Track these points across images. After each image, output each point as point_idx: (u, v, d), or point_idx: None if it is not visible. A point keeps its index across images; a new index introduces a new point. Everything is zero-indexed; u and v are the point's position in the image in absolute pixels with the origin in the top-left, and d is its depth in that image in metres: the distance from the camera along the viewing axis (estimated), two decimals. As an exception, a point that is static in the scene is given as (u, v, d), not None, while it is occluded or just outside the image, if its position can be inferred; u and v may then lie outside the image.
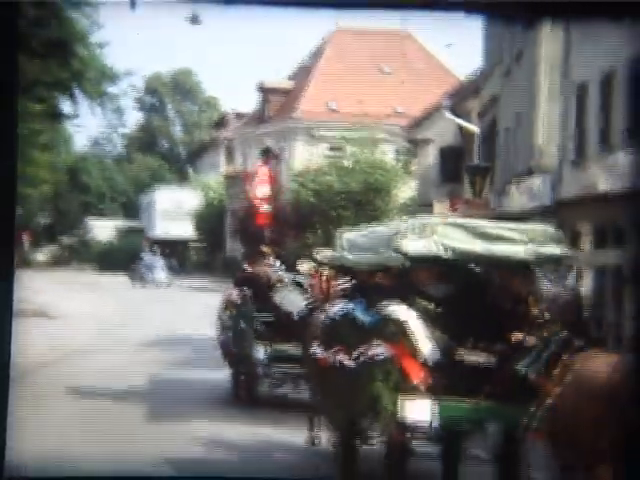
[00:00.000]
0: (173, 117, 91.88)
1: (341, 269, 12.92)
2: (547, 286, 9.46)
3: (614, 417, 7.99)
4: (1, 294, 5.91)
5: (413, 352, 10.07)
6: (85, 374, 18.55)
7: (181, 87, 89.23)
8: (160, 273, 56.80)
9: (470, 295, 10.64)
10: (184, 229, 66.52)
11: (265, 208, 18.42)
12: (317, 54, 55.36)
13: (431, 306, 10.56)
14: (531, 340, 9.67)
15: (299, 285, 16.45)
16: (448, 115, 33.07)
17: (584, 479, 8.54)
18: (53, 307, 32.69)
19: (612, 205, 19.55)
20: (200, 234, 63.36)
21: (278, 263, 17.42)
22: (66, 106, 28.90)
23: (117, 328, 28.11)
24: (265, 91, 55.32)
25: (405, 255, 10.34)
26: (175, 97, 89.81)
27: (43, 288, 41.78)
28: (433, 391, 9.99)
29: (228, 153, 63.52)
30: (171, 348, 23.22)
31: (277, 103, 54.83)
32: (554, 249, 10.66)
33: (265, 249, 17.60)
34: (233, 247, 47.40)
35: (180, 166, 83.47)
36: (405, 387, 9.92)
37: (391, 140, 43.30)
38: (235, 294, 17.22)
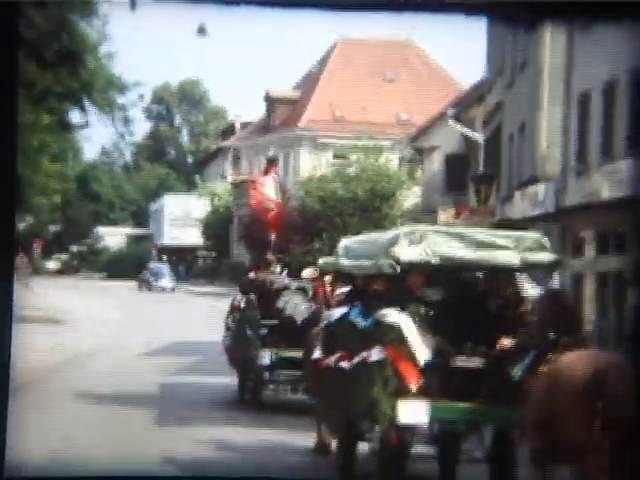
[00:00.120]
0: (181, 126, 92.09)
1: (340, 275, 13.12)
2: (532, 290, 9.59)
3: (588, 412, 8.13)
4: (1, 294, 5.88)
5: (409, 356, 10.21)
6: (93, 377, 18.60)
7: (189, 97, 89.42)
8: (165, 279, 57.22)
9: (462, 300, 10.85)
10: (192, 236, 66.63)
11: (270, 216, 18.44)
12: (322, 63, 55.42)
13: (425, 311, 10.75)
14: (520, 342, 9.83)
15: (303, 291, 16.55)
16: (452, 123, 33.06)
17: (571, 474, 8.67)
18: (64, 313, 32.79)
19: (614, 212, 19.54)
20: (207, 241, 63.46)
21: (283, 270, 17.51)
22: (76, 116, 29.01)
23: (124, 333, 28.18)
24: (271, 100, 55.40)
25: (398, 262, 10.49)
26: (183, 106, 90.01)
27: (54, 295, 41.92)
28: (429, 394, 10.11)
29: (234, 161, 63.61)
30: (177, 353, 23.26)
31: (283, 112, 54.89)
32: (543, 256, 10.80)
33: (270, 256, 17.69)
34: (240, 253, 47.42)
35: (188, 174, 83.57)
36: (401, 390, 10.06)
37: (396, 148, 43.29)
38: (241, 300, 17.32)
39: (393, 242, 10.67)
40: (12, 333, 5.77)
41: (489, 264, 10.75)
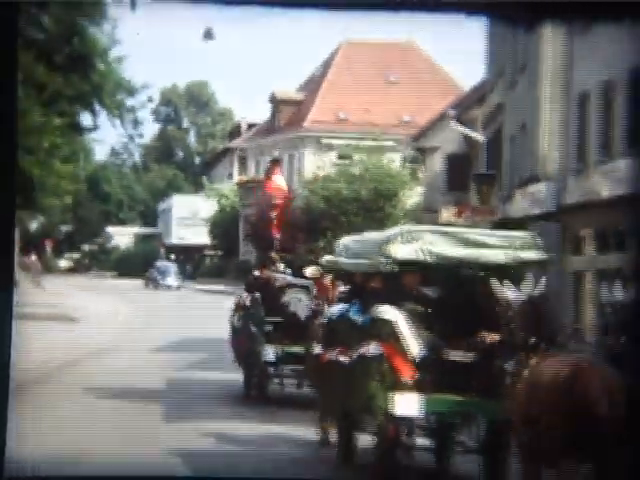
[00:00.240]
0: (188, 128, 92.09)
1: (339, 273, 13.25)
2: (516, 294, 9.71)
3: (566, 412, 8.28)
4: (1, 294, 5.85)
5: (403, 351, 10.43)
6: (103, 374, 18.63)
7: (196, 99, 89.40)
8: (171, 277, 57.34)
9: (454, 297, 11.05)
10: (199, 235, 66.62)
11: (275, 215, 18.50)
12: (326, 66, 55.37)
13: (419, 307, 10.96)
14: (506, 340, 9.92)
15: (306, 289, 16.65)
16: (454, 124, 33.02)
17: (551, 473, 8.82)
18: (75, 310, 32.80)
19: (613, 210, 19.51)
20: (214, 240, 63.44)
21: (287, 268, 17.60)
22: (86, 119, 29.05)
23: (134, 330, 28.22)
24: (276, 102, 55.38)
25: (393, 260, 10.63)
26: (190, 109, 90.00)
27: (65, 292, 41.96)
28: (423, 387, 10.32)
29: (241, 162, 63.59)
30: (185, 349, 23.28)
31: (288, 113, 54.86)
32: (533, 254, 10.98)
33: (274, 255, 17.80)
34: (246, 252, 47.42)
35: (195, 175, 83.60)
36: (397, 384, 10.26)
37: (398, 148, 43.26)
38: (246, 298, 17.42)
39: (389, 241, 10.90)
40: (12, 333, 5.75)
41: (481, 262, 10.94)
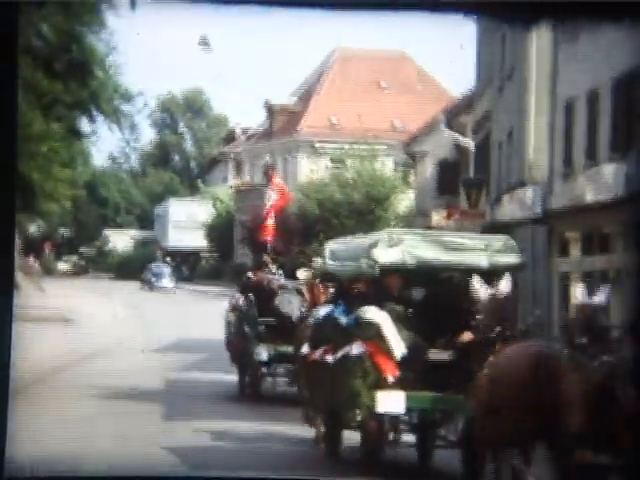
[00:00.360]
0: (185, 133, 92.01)
1: (327, 277, 13.46)
2: (486, 290, 10.08)
3: (524, 398, 8.50)
4: (2, 295, 5.90)
5: (386, 350, 10.71)
6: (102, 374, 18.68)
7: (192, 105, 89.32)
8: (166, 279, 57.32)
9: (435, 298, 11.38)
10: (195, 239, 66.58)
11: (269, 220, 18.66)
12: (320, 73, 55.48)
13: (402, 308, 11.24)
14: (477, 337, 10.28)
15: (298, 291, 16.80)
16: (444, 130, 33.12)
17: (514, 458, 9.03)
18: (73, 312, 32.75)
19: (599, 214, 19.62)
20: (210, 243, 63.43)
21: (279, 271, 17.78)
22: (84, 125, 29.10)
23: (130, 331, 28.22)
24: (271, 108, 55.46)
25: (376, 263, 10.85)
26: (186, 114, 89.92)
27: (64, 295, 41.89)
28: (405, 385, 10.62)
29: (236, 167, 63.63)
30: (181, 350, 23.30)
31: (282, 119, 54.95)
32: (510, 257, 11.34)
33: (267, 258, 17.99)
34: (242, 255, 47.43)
35: (191, 179, 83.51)
36: (380, 382, 10.55)
37: (390, 153, 43.38)
38: (240, 300, 17.57)
39: (373, 245, 11.23)
40: (12, 334, 5.78)
41: (460, 265, 11.19)
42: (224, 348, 18.09)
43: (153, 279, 57.35)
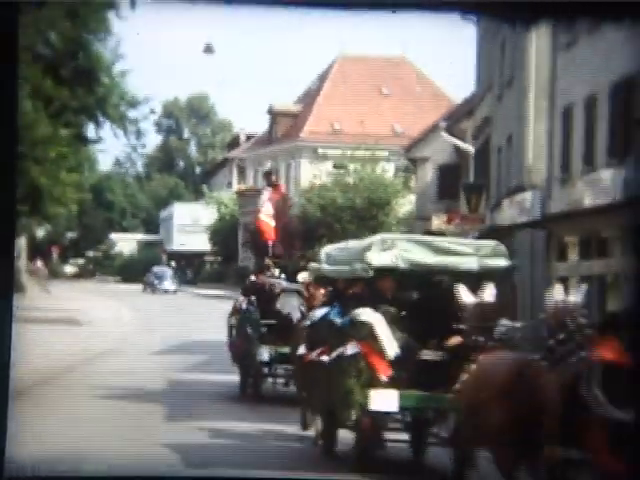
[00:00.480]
0: (189, 139, 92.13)
1: (323, 279, 13.67)
2: (470, 297, 10.28)
3: (505, 403, 8.63)
4: (2, 296, 5.91)
5: (380, 350, 10.86)
6: (105, 375, 18.72)
7: (196, 111, 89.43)
8: (168, 282, 57.43)
9: (427, 301, 11.55)
10: (200, 242, 66.66)
11: (271, 225, 18.80)
12: (322, 79, 55.54)
13: (395, 310, 11.39)
14: (465, 340, 10.52)
15: (299, 293, 16.91)
16: (444, 135, 33.16)
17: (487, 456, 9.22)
18: (79, 314, 32.79)
19: (597, 218, 19.63)
20: (214, 246, 63.50)
21: (281, 274, 17.92)
22: (91, 130, 29.16)
23: (135, 332, 28.27)
24: (274, 114, 55.53)
25: (371, 266, 11.10)
26: (191, 120, 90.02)
27: (71, 297, 41.95)
28: (398, 384, 10.76)
29: (240, 171, 63.69)
30: (185, 351, 23.33)
31: (285, 125, 55.02)
32: (500, 261, 11.52)
33: (268, 262, 18.13)
34: (245, 258, 47.48)
35: (196, 184, 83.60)
36: (373, 381, 10.70)
37: (391, 158, 43.42)
38: (243, 302, 17.71)
39: (367, 249, 11.45)
40: (12, 335, 5.77)
41: (452, 269, 11.37)
42: (225, 350, 18.17)
43: (155, 282, 57.46)
